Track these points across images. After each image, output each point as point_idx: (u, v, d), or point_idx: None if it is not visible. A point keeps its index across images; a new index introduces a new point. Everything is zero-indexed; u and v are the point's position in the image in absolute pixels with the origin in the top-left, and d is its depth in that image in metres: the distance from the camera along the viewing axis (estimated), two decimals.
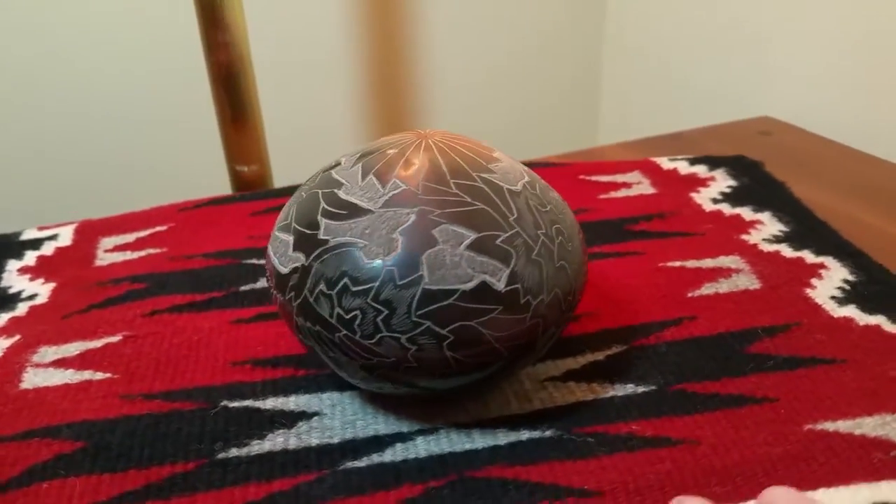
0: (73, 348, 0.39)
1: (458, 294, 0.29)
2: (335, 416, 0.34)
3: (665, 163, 0.58)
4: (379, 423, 0.34)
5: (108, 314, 0.42)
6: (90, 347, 0.39)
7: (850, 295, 0.41)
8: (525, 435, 0.33)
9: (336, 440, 0.33)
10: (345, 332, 0.29)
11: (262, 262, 0.46)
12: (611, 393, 0.35)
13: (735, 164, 0.57)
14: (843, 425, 0.32)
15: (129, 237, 0.50)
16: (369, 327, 0.29)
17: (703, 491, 0.29)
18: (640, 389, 0.35)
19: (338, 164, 0.33)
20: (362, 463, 0.32)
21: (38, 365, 0.38)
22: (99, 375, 0.37)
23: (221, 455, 0.32)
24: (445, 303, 0.29)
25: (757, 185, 0.54)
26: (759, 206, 0.51)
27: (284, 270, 0.31)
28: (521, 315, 0.29)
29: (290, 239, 0.31)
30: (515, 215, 0.30)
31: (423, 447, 0.32)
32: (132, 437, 0.33)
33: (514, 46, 0.95)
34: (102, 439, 0.33)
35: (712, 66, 0.80)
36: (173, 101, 0.80)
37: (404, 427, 0.33)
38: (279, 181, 0.67)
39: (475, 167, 0.31)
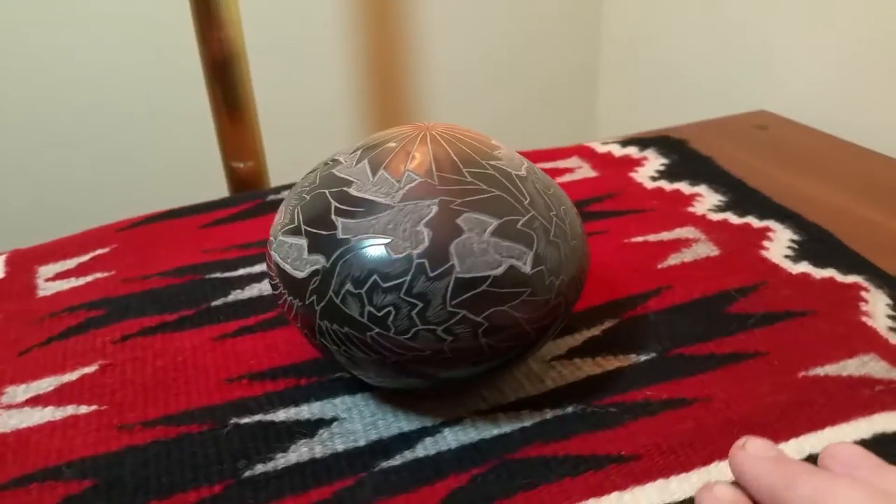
0: (46, 384, 0.36)
1: (489, 280, 0.29)
2: (354, 420, 0.33)
3: (599, 147, 0.60)
4: (401, 421, 0.33)
5: (73, 345, 0.39)
6: (65, 381, 0.36)
7: (800, 253, 0.45)
8: (549, 414, 0.33)
9: (362, 442, 0.32)
10: (378, 329, 0.29)
11: (228, 275, 0.45)
12: (615, 364, 0.36)
13: (662, 144, 0.60)
14: (830, 369, 0.35)
15: (70, 263, 0.47)
16: (404, 322, 0.29)
17: (729, 441, 0.31)
18: (643, 358, 0.36)
19: (336, 162, 0.33)
20: (396, 461, 0.31)
21: (9, 406, 0.35)
22: (84, 409, 0.35)
23: (247, 473, 0.31)
24: (478, 290, 0.29)
25: (686, 161, 0.58)
26: (693, 180, 0.54)
27: (301, 275, 0.30)
28: (546, 296, 0.30)
29: (304, 242, 0.30)
30: (528, 199, 0.31)
31: (452, 438, 0.32)
32: (145, 468, 0.31)
33: (510, 40, 0.95)
34: (112, 474, 0.31)
35: (709, 60, 0.80)
36: (168, 97, 0.80)
37: (427, 421, 0.33)
38: (274, 177, 0.66)
39: (483, 156, 0.32)
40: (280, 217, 0.33)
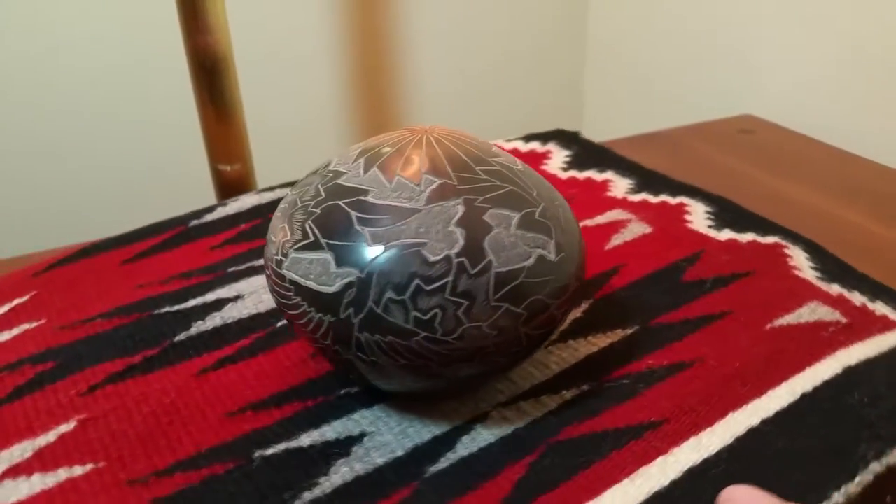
0: (20, 451, 0.32)
1: (524, 272, 0.30)
2: (383, 432, 0.33)
3: (505, 143, 0.63)
4: (429, 426, 0.33)
5: (32, 405, 0.35)
6: (42, 444, 0.32)
7: (719, 222, 0.49)
8: (568, 395, 0.35)
9: (400, 452, 0.32)
10: (424, 334, 0.29)
11: (180, 307, 0.42)
12: (607, 341, 0.38)
13: (561, 137, 0.64)
14: (788, 319, 0.39)
15: None
16: (451, 323, 0.29)
17: (736, 392, 0.34)
18: (629, 331, 0.39)
19: (336, 172, 0.32)
20: (443, 464, 0.31)
21: None
22: (80, 469, 0.31)
23: (297, 503, 0.29)
24: (517, 282, 0.29)
25: (587, 152, 0.61)
26: (600, 168, 0.58)
27: (331, 289, 0.29)
28: (568, 281, 0.31)
29: (328, 256, 0.30)
30: (535, 191, 0.32)
31: (488, 433, 0.33)
32: None
33: (496, 47, 0.95)
34: None
35: (694, 65, 0.80)
36: (155, 100, 0.79)
37: (456, 421, 0.33)
38: (261, 179, 0.65)
39: (486, 153, 0.32)
40: (285, 235, 0.31)
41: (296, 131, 0.86)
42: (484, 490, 0.30)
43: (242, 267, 0.45)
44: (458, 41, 0.93)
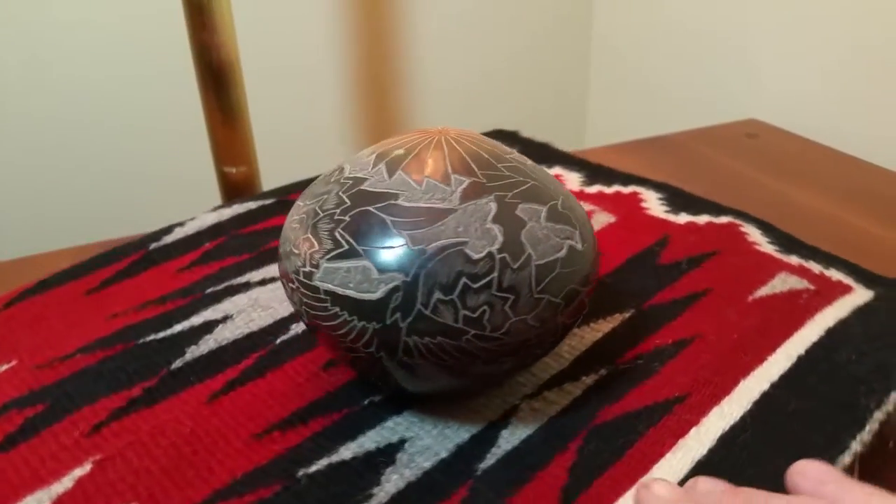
0: (37, 499, 0.30)
1: (559, 263, 0.30)
2: (422, 436, 0.33)
3: None
4: (465, 424, 0.33)
5: (32, 452, 0.32)
6: (60, 492, 0.30)
7: (673, 207, 0.52)
8: (588, 381, 0.36)
9: (445, 454, 0.32)
10: (473, 331, 0.29)
11: (166, 333, 0.40)
12: (609, 326, 0.40)
13: (501, 135, 0.65)
14: (764, 291, 0.42)
15: None
16: (499, 318, 0.29)
17: (741, 362, 0.36)
18: (627, 315, 0.40)
19: (355, 179, 0.32)
20: (492, 460, 0.31)
21: None
22: None
23: None
24: (554, 274, 0.30)
25: (529, 149, 0.63)
26: (548, 164, 0.60)
27: (374, 296, 0.29)
28: (592, 269, 0.33)
29: (367, 263, 0.29)
30: (553, 186, 0.33)
31: (525, 426, 0.33)
32: None
33: (501, 50, 0.94)
34: None
35: (699, 69, 0.79)
36: (161, 102, 0.79)
37: (489, 417, 0.34)
38: (266, 182, 0.63)
39: (502, 151, 0.33)
40: (311, 246, 0.31)
41: (301, 134, 0.86)
42: (540, 480, 0.30)
43: (220, 287, 0.44)
44: (462, 44, 0.94)
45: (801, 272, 0.44)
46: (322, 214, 0.31)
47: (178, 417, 0.34)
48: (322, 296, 0.30)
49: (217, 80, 0.60)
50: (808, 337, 0.38)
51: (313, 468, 0.31)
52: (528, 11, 0.96)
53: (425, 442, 0.32)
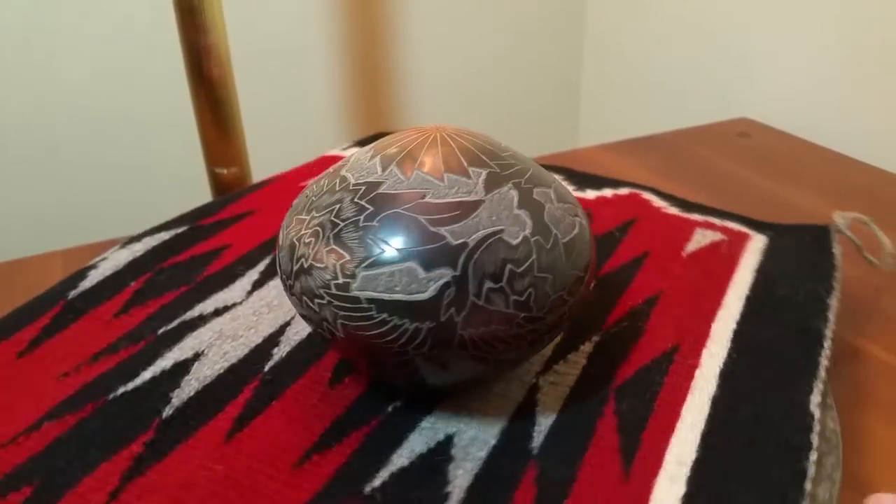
0: None
1: (576, 238, 0.32)
2: (464, 429, 0.33)
3: (337, 152, 0.63)
4: (497, 411, 0.34)
5: None
6: None
7: (576, 185, 0.56)
8: (587, 349, 0.38)
9: (494, 440, 0.32)
10: (523, 314, 0.30)
11: (136, 384, 0.36)
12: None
13: (367, 142, 0.65)
14: (692, 247, 0.47)
15: None
16: (543, 298, 0.30)
17: (705, 308, 0.40)
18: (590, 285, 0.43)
19: (370, 184, 0.31)
20: (540, 435, 0.32)
21: None
22: None
23: None
24: (577, 249, 0.32)
25: None
26: None
27: (425, 295, 0.29)
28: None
29: (412, 264, 0.29)
30: (543, 169, 0.35)
31: (553, 401, 0.35)
32: None
33: (493, 49, 0.93)
34: None
35: (691, 68, 0.77)
36: (151, 103, 0.79)
37: (514, 398, 0.35)
38: None
39: (496, 143, 0.34)
40: (339, 257, 0.30)
41: (292, 135, 0.86)
42: (597, 447, 0.32)
43: (173, 325, 0.40)
44: (454, 43, 0.93)
45: (711, 227, 0.49)
46: (343, 224, 0.30)
47: (202, 464, 0.31)
48: (364, 305, 0.29)
49: (207, 80, 0.59)
50: (745, 279, 0.44)
51: (378, 481, 0.30)
52: (521, 9, 0.95)
53: (470, 433, 0.33)
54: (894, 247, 0.51)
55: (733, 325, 0.39)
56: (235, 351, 0.38)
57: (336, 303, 0.30)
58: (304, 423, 0.34)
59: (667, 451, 0.31)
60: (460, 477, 0.31)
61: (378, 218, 0.30)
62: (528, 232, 0.30)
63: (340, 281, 0.30)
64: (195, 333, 0.40)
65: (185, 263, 0.46)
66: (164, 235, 0.49)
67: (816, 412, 0.33)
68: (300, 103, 0.89)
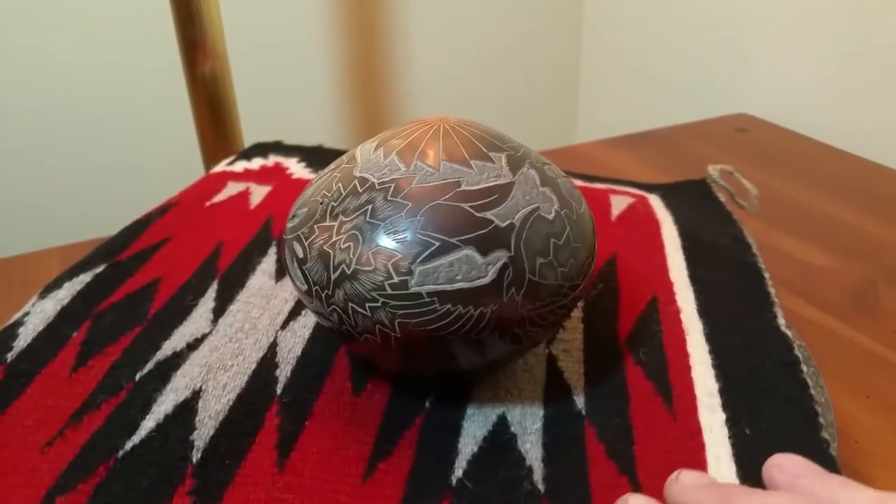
0: None
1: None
2: (510, 408, 0.34)
3: (222, 167, 0.59)
4: (528, 386, 0.35)
5: None
6: None
7: (313, 168, 0.58)
8: (578, 314, 0.40)
9: (543, 412, 0.34)
10: (568, 284, 0.32)
11: (141, 437, 0.33)
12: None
13: (261, 147, 0.63)
14: (616, 211, 0.51)
15: None
16: (579, 266, 0.32)
17: (655, 261, 0.44)
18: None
19: (398, 180, 0.31)
20: (581, 400, 0.34)
21: None
22: None
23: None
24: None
25: (305, 152, 0.63)
26: (313, 168, 0.61)
27: (486, 279, 0.30)
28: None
29: (469, 251, 0.30)
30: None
31: (574, 363, 0.37)
32: None
33: (492, 44, 0.93)
34: None
35: (689, 63, 0.75)
36: (150, 102, 0.81)
37: (537, 375, 0.36)
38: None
39: (492, 129, 0.35)
40: (388, 257, 0.29)
41: (290, 131, 0.79)
42: (637, 396, 0.34)
43: (150, 367, 0.37)
44: (451, 39, 0.92)
45: (617, 192, 0.54)
46: (383, 223, 0.30)
47: (268, 497, 0.29)
48: (426, 299, 0.29)
49: (205, 79, 0.60)
50: (672, 232, 0.48)
51: (458, 471, 0.30)
52: (519, 5, 0.95)
53: (517, 410, 0.34)
54: (758, 190, 0.59)
55: (686, 272, 0.44)
56: (234, 381, 0.36)
57: (393, 303, 0.30)
58: (350, 435, 0.33)
59: (694, 387, 0.35)
60: (532, 452, 0.32)
61: (421, 212, 0.30)
62: (556, 206, 0.32)
63: (396, 280, 0.29)
64: (180, 371, 0.37)
65: (124, 303, 0.42)
66: (85, 278, 0.44)
67: (788, 332, 0.38)
68: (298, 101, 0.89)
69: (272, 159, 0.61)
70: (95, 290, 0.43)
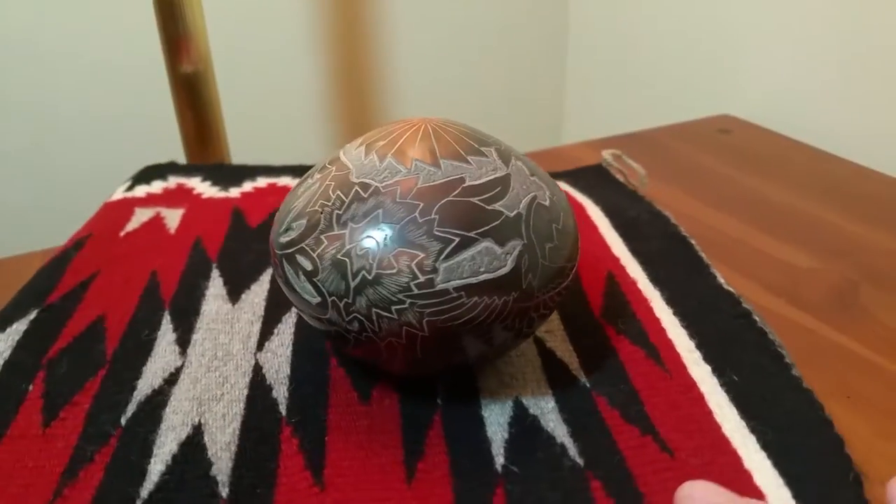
0: None
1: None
2: (524, 395, 0.35)
3: (120, 195, 0.56)
4: (534, 374, 0.37)
5: None
6: None
7: (221, 185, 0.58)
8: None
9: (551, 391, 0.35)
10: (569, 265, 0.33)
11: (153, 482, 0.31)
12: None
13: (157, 168, 0.60)
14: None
15: None
16: (573, 248, 0.34)
17: (601, 252, 0.47)
18: None
19: (402, 181, 0.31)
20: (595, 375, 0.36)
21: None
22: None
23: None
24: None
25: (208, 171, 0.60)
26: (220, 188, 0.59)
27: (506, 268, 0.31)
28: None
29: (488, 243, 0.30)
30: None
31: (568, 353, 0.38)
32: None
33: (478, 46, 0.93)
34: None
35: (673, 65, 0.75)
36: (135, 106, 0.80)
37: (535, 362, 0.38)
38: None
39: (473, 128, 0.36)
40: (411, 257, 0.30)
41: (274, 135, 0.86)
42: (631, 363, 0.37)
43: (133, 409, 0.34)
44: (436, 40, 0.91)
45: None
46: (399, 225, 0.30)
47: None
48: (453, 294, 0.30)
49: (190, 85, 0.60)
50: (597, 213, 0.52)
51: (501, 458, 0.31)
52: (505, 7, 0.95)
53: (529, 394, 0.35)
54: (645, 171, 0.64)
55: (625, 247, 0.47)
56: (232, 409, 0.34)
57: (421, 302, 0.30)
58: (376, 442, 0.32)
59: (676, 346, 0.38)
60: (556, 428, 0.33)
61: (434, 210, 0.30)
62: (548, 193, 0.34)
63: (423, 279, 0.30)
64: (169, 408, 0.34)
65: (74, 346, 0.38)
66: (20, 326, 0.39)
67: (731, 288, 0.42)
68: (284, 105, 0.88)
69: (172, 181, 0.58)
70: (36, 337, 0.39)
